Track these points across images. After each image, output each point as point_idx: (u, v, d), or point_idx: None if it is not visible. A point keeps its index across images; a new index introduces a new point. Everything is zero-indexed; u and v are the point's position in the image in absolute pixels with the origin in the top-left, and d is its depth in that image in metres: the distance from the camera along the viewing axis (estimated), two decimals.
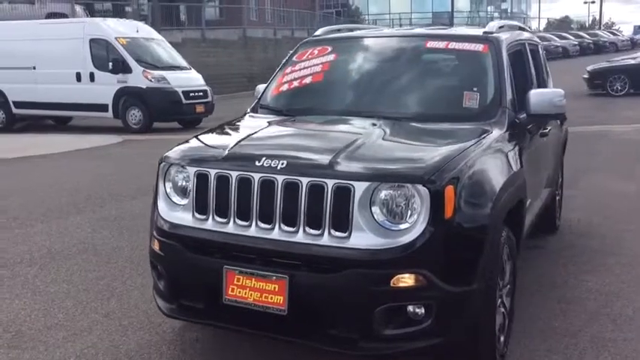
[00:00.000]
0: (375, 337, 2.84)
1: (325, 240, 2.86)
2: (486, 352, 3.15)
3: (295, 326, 2.94)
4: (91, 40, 14.69)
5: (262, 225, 2.99)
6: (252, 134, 3.59)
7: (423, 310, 2.85)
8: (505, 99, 3.83)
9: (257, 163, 3.02)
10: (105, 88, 14.43)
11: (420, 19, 55.63)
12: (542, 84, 5.39)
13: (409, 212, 2.85)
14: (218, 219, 3.10)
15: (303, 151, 3.20)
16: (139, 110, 14.56)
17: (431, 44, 4.25)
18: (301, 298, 2.87)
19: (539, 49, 5.47)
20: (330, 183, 2.86)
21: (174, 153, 3.38)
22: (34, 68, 15.12)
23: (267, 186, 2.97)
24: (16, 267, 5.07)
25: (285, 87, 4.38)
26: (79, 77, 14.72)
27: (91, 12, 25.51)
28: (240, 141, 3.42)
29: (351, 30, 4.87)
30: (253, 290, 2.95)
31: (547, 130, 4.65)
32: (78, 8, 23.96)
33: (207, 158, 3.23)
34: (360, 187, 2.84)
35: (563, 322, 3.91)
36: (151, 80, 14.42)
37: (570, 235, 5.82)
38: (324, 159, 2.99)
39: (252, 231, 3.00)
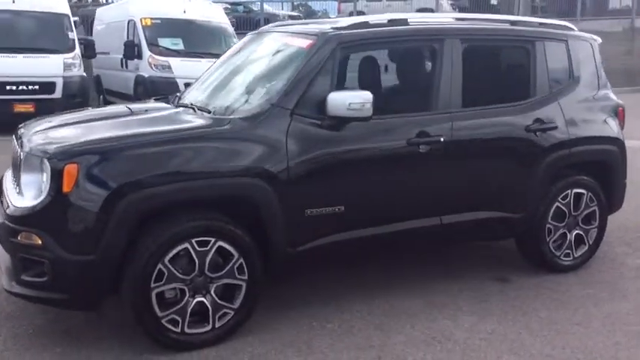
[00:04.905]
0: (18, 280, 3.47)
1: (17, 197, 3.60)
2: (145, 326, 3.42)
3: None
4: None
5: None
6: (69, 115, 4.39)
7: (44, 267, 3.35)
8: (284, 98, 3.68)
9: (21, 137, 3.91)
10: None
11: None
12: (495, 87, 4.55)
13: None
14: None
15: (48, 131, 3.87)
16: None
17: (285, 40, 4.23)
18: None
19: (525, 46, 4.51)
20: (23, 154, 3.63)
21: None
22: None
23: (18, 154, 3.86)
24: None
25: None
26: None
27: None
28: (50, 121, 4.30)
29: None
30: None
31: (431, 140, 3.99)
32: (444, 2, 25.22)
33: (19, 130, 4.21)
34: (23, 157, 3.53)
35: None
36: None
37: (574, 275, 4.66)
38: (39, 135, 3.73)
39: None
